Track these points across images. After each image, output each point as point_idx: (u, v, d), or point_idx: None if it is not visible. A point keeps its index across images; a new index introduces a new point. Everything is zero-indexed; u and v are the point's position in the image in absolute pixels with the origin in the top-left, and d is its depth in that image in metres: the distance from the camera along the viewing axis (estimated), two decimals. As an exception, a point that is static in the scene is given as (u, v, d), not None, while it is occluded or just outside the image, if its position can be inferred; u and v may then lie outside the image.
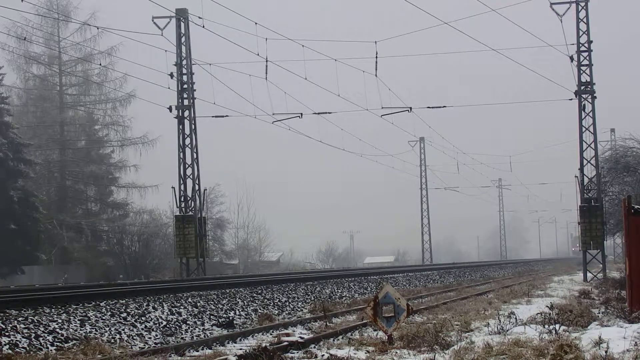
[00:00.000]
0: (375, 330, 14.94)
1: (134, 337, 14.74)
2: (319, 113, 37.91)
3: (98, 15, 55.71)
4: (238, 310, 19.90)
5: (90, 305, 17.38)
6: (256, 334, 15.59)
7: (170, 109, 36.67)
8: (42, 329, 14.01)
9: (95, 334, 14.36)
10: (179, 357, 12.55)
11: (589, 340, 11.51)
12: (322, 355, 11.89)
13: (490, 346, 11.64)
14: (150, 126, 69.56)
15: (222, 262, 67.10)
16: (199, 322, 17.30)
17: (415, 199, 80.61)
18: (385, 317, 13.17)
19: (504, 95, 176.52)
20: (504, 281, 39.21)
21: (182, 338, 15.29)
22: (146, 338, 14.80)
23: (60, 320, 14.91)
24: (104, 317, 15.88)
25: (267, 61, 32.83)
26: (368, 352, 12.33)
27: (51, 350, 12.75)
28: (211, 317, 18.21)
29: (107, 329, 14.94)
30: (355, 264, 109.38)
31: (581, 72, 37.21)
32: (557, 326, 13.38)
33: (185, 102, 36.83)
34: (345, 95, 34.98)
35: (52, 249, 50.34)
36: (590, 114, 37.48)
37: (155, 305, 18.25)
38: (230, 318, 18.22)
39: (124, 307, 17.33)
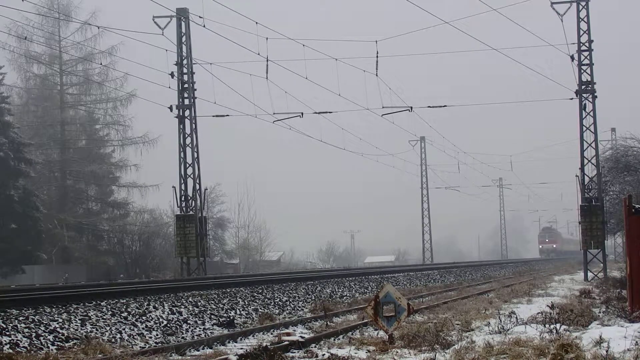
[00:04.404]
0: (376, 329, 14.94)
1: (135, 337, 14.75)
2: (319, 112, 37.92)
3: (99, 14, 55.94)
4: (239, 309, 19.90)
5: (91, 304, 17.39)
6: (257, 334, 15.59)
7: (170, 108, 36.69)
8: (43, 329, 14.02)
9: (96, 333, 14.36)
10: (180, 357, 12.55)
11: (589, 339, 11.50)
12: (323, 355, 11.89)
13: (491, 345, 11.64)
14: (150, 126, 69.54)
15: (222, 262, 67.20)
16: (199, 322, 17.30)
17: (416, 198, 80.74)
18: (385, 317, 13.17)
19: (505, 95, 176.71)
20: (504, 280, 39.20)
21: (182, 337, 15.28)
22: (147, 337, 14.80)
23: (60, 320, 14.91)
24: (104, 317, 15.89)
25: (267, 60, 32.88)
26: (369, 351, 12.33)
27: (52, 350, 12.75)
28: (212, 316, 18.21)
29: (108, 328, 14.94)
30: (356, 264, 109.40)
31: (582, 71, 37.20)
32: (557, 325, 13.37)
33: (186, 101, 36.84)
34: (345, 94, 35.01)
35: (53, 249, 50.36)
36: (591, 114, 37.49)
37: (156, 305, 18.26)
38: (231, 317, 18.21)
39: (124, 307, 17.34)
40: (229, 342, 14.35)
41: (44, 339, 13.42)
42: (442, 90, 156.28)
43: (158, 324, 16.17)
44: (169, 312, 17.63)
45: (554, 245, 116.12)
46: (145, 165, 57.99)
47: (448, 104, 39.71)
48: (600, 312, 16.88)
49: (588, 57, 37.11)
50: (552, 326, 13.34)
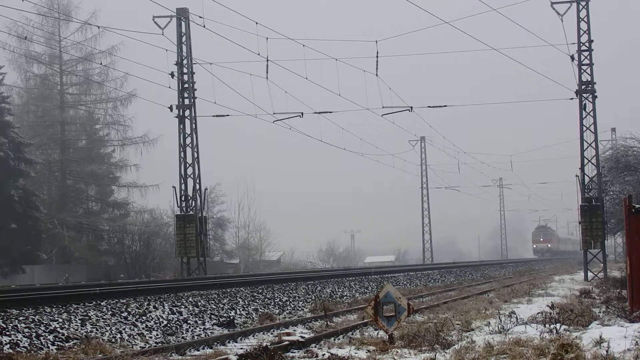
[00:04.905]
0: (376, 329, 14.94)
1: (135, 337, 14.75)
2: (319, 112, 37.90)
3: (99, 14, 55.88)
4: (239, 309, 19.91)
5: (91, 304, 17.39)
6: (257, 334, 15.59)
7: (171, 108, 36.68)
8: (43, 329, 14.02)
9: (96, 333, 14.36)
10: (180, 357, 12.55)
11: (589, 339, 11.50)
12: (323, 355, 11.89)
13: (491, 345, 11.64)
14: (150, 125, 69.69)
15: (223, 262, 67.14)
16: (199, 322, 17.31)
17: (416, 198, 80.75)
18: (386, 317, 13.17)
19: (505, 95, 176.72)
20: (504, 280, 39.22)
21: (183, 337, 15.29)
22: (147, 337, 14.81)
23: (61, 320, 14.91)
24: (104, 317, 15.89)
25: (267, 60, 32.86)
26: (369, 351, 12.33)
27: (52, 350, 12.76)
28: (212, 316, 18.22)
29: (108, 328, 14.95)
30: (356, 264, 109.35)
31: (582, 71, 37.20)
32: (557, 325, 13.38)
33: (186, 101, 36.84)
34: (346, 94, 34.99)
35: (53, 249, 50.36)
36: (591, 114, 37.50)
37: (156, 305, 18.26)
38: (231, 317, 18.22)
39: (124, 307, 17.34)
40: (229, 342, 14.35)
41: (44, 338, 13.42)
42: (442, 90, 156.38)
43: (158, 324, 16.18)
44: (169, 312, 17.63)
45: (549, 245, 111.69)
46: (145, 165, 58.04)
47: (448, 104, 39.73)
48: (600, 312, 16.89)
49: (588, 57, 37.11)
50: (552, 326, 13.34)
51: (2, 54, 52.61)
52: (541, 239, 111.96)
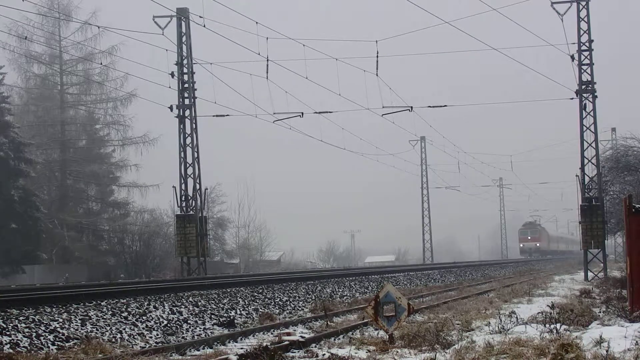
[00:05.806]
0: (376, 329, 14.94)
1: (135, 337, 14.75)
2: (319, 112, 37.90)
3: (99, 14, 55.87)
4: (239, 309, 19.90)
5: (91, 304, 17.39)
6: (257, 333, 15.59)
7: (171, 108, 36.70)
8: (43, 329, 14.02)
9: (96, 333, 14.36)
10: (180, 357, 12.55)
11: (589, 339, 11.50)
12: (323, 355, 11.89)
13: (491, 345, 11.63)
14: (151, 125, 69.47)
15: (223, 262, 67.17)
16: (200, 322, 17.31)
17: (416, 198, 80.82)
18: (386, 317, 13.17)
19: (505, 95, 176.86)
20: (504, 280, 39.19)
21: (183, 337, 15.28)
22: (147, 337, 14.80)
23: (61, 320, 14.91)
24: (105, 317, 15.89)
25: (267, 60, 32.87)
26: (369, 351, 12.32)
27: (52, 350, 12.75)
28: (212, 316, 18.22)
29: (108, 328, 14.95)
30: (356, 264, 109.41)
31: (582, 71, 37.21)
32: (558, 325, 13.37)
33: (186, 101, 36.86)
34: (345, 94, 35.00)
35: (53, 249, 50.36)
36: (591, 114, 37.51)
37: (156, 305, 18.26)
38: (231, 317, 18.22)
39: (125, 307, 17.34)
40: (229, 342, 14.34)
41: (44, 338, 13.42)
42: (442, 90, 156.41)
43: (158, 324, 16.17)
44: (169, 312, 17.63)
45: (537, 244, 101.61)
46: (145, 165, 58.05)
47: (448, 104, 39.74)
48: (600, 312, 16.89)
49: (588, 57, 37.12)
50: (552, 326, 13.33)
51: (2, 54, 52.68)
52: (529, 237, 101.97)
